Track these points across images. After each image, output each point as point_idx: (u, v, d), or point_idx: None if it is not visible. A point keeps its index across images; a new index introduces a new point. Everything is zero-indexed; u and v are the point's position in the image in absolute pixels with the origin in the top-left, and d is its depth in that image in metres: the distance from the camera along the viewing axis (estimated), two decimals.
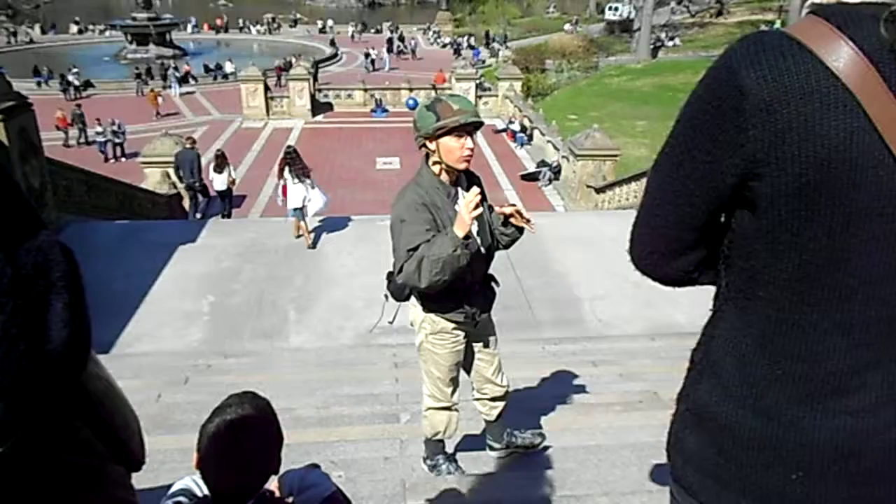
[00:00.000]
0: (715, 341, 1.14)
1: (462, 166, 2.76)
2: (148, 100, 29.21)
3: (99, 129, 23.02)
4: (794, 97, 0.91)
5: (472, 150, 2.73)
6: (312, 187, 9.71)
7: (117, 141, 22.62)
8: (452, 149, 2.69)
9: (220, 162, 13.77)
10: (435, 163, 2.78)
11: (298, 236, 9.77)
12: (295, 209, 9.65)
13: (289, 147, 10.22)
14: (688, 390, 1.20)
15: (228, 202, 14.64)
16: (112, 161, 22.26)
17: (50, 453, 0.93)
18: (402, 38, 47.70)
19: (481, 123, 2.77)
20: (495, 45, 45.77)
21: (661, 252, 1.16)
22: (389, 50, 42.89)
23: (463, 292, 2.88)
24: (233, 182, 14.15)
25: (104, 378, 1.06)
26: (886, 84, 0.89)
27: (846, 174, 0.91)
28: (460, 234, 2.57)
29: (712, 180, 1.02)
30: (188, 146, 14.21)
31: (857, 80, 0.89)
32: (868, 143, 0.90)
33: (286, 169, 9.77)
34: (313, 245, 9.59)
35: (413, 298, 3.04)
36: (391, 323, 3.31)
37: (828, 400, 1.01)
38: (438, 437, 3.30)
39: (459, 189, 2.87)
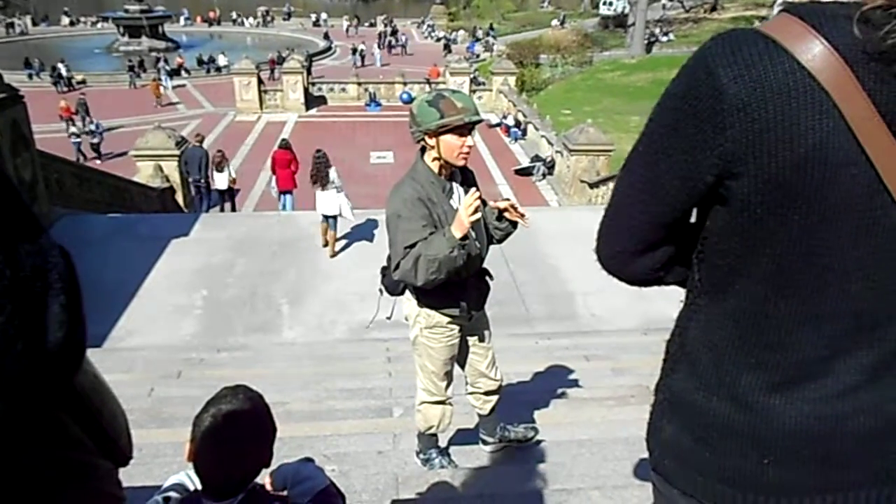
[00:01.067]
0: (689, 332, 1.16)
1: (461, 163, 2.77)
2: (150, 89, 29.40)
3: (73, 128, 22.01)
4: (771, 96, 0.91)
5: (471, 147, 2.74)
6: (339, 191, 9.16)
7: (94, 141, 21.57)
8: (453, 146, 2.69)
9: (221, 161, 13.99)
10: (434, 159, 2.77)
11: (326, 244, 9.29)
12: (325, 217, 9.16)
13: (318, 152, 9.48)
14: (664, 380, 1.23)
15: (230, 199, 14.74)
16: (89, 161, 20.58)
17: (37, 447, 0.93)
18: (394, 32, 47.46)
19: (481, 121, 2.78)
20: (489, 39, 45.68)
21: (629, 251, 1.16)
22: (380, 45, 42.36)
23: (458, 287, 2.89)
24: (233, 181, 14.37)
25: (91, 373, 1.07)
26: (860, 84, 0.90)
27: (822, 173, 0.92)
28: (458, 234, 2.58)
29: (689, 179, 1.02)
30: (196, 144, 14.38)
31: (833, 80, 0.90)
32: (843, 142, 0.91)
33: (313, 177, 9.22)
34: (334, 255, 9.22)
35: (408, 293, 3.04)
36: (389, 318, 3.31)
37: (798, 387, 1.04)
38: (432, 431, 3.31)
39: (454, 184, 2.88)
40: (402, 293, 3.10)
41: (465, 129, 2.69)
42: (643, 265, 1.17)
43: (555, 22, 49.41)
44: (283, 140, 13.41)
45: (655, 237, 1.12)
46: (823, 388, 1.03)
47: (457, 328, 3.03)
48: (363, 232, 9.82)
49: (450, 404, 3.25)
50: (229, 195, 14.53)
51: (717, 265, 1.08)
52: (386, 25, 49.71)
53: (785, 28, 0.94)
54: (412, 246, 2.65)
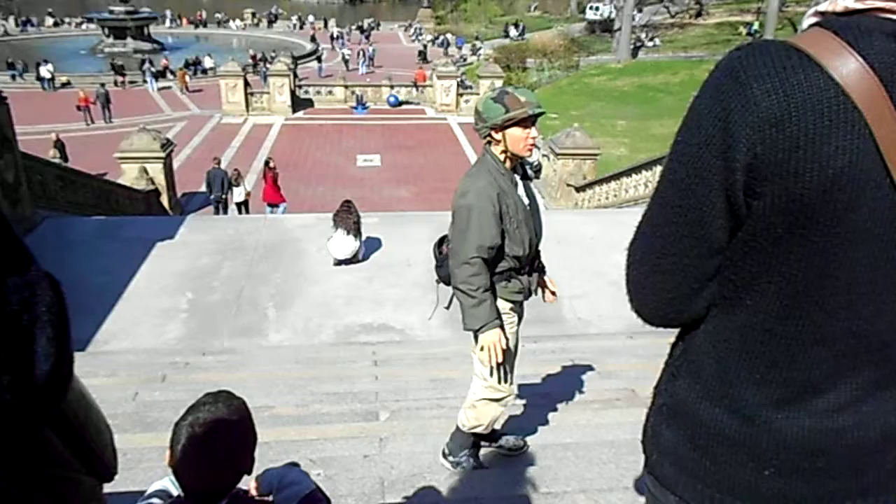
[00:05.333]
0: (695, 341, 1.15)
1: (527, 154, 2.93)
2: (178, 78, 32.59)
3: None
4: (804, 113, 0.88)
5: (535, 138, 2.89)
6: (359, 239, 8.92)
7: None
8: (519, 138, 2.83)
9: (237, 178, 15.42)
10: (502, 151, 2.89)
11: None
12: (337, 262, 8.91)
13: (347, 203, 9.30)
14: (665, 385, 1.22)
15: (245, 210, 15.76)
16: None
17: (19, 464, 0.93)
18: (363, 30, 46.80)
19: (543, 113, 2.91)
20: (476, 42, 45.74)
21: (686, 293, 1.09)
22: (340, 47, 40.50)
23: (518, 272, 3.06)
24: (248, 195, 15.64)
25: (76, 389, 1.06)
26: (893, 104, 0.87)
27: (847, 195, 0.89)
28: (486, 334, 2.84)
29: (734, 199, 0.97)
30: (215, 165, 15.87)
31: (866, 98, 0.87)
32: (871, 164, 0.88)
33: (334, 218, 9.02)
34: None
35: None
36: (447, 308, 3.27)
37: (801, 403, 1.04)
38: (479, 429, 3.24)
39: (516, 175, 3.00)
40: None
41: (528, 122, 2.83)
42: (700, 304, 1.11)
43: (513, 32, 48.70)
44: (266, 158, 16.07)
45: (713, 267, 1.06)
46: (825, 403, 1.03)
47: (516, 316, 3.12)
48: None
49: (509, 398, 3.21)
50: (245, 206, 15.78)
51: (729, 279, 1.05)
52: (372, 28, 49.36)
53: (819, 42, 0.91)
54: (477, 258, 2.79)
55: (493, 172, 2.87)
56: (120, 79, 32.12)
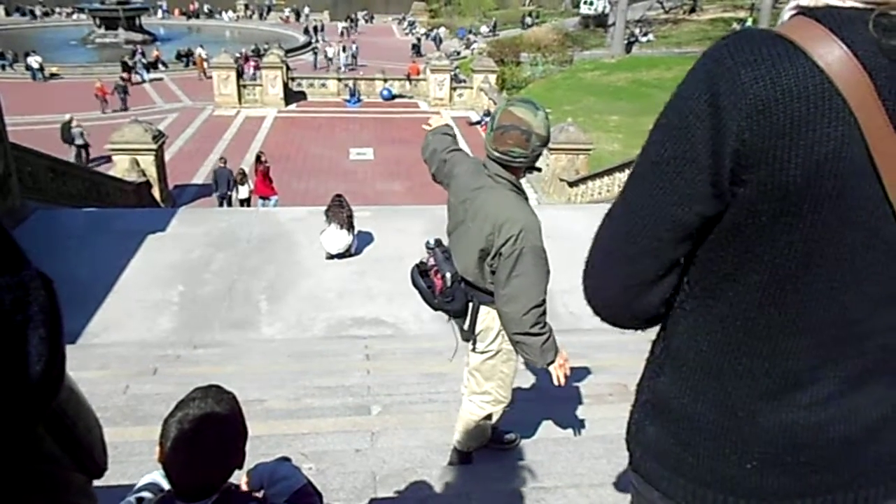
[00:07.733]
0: (676, 336, 1.14)
1: None
2: (197, 63, 33.72)
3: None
4: (790, 100, 0.87)
5: None
6: (352, 233, 8.88)
7: (79, 143, 19.90)
8: None
9: (242, 178, 15.90)
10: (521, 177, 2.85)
11: None
12: (330, 256, 8.86)
13: (337, 195, 9.26)
14: (648, 381, 1.22)
15: (248, 207, 16.07)
16: None
17: (10, 461, 0.92)
18: (351, 20, 46.21)
19: None
20: (470, 36, 45.64)
21: (646, 281, 1.08)
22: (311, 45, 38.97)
23: None
24: (251, 192, 16.00)
25: (66, 386, 1.06)
26: (877, 91, 0.87)
27: (832, 183, 0.89)
28: (557, 359, 2.76)
29: (718, 184, 0.96)
30: (222, 165, 16.48)
31: (851, 85, 0.87)
32: (855, 152, 0.88)
33: (326, 212, 8.95)
34: None
35: (486, 307, 2.90)
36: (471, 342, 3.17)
37: (784, 395, 1.04)
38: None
39: None
40: (465, 313, 2.94)
41: None
42: (655, 297, 1.10)
43: (484, 28, 48.47)
44: (258, 153, 16.34)
45: (679, 254, 1.05)
46: (808, 397, 1.03)
47: None
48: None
49: None
50: (248, 202, 16.16)
51: (710, 270, 1.05)
52: (365, 20, 48.81)
53: (803, 30, 0.90)
54: (543, 303, 2.67)
55: (525, 199, 2.77)
56: (125, 76, 31.85)
